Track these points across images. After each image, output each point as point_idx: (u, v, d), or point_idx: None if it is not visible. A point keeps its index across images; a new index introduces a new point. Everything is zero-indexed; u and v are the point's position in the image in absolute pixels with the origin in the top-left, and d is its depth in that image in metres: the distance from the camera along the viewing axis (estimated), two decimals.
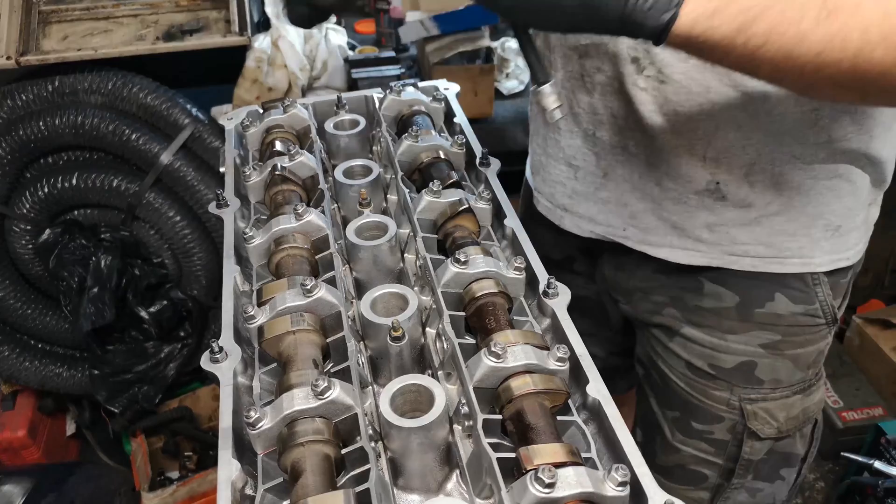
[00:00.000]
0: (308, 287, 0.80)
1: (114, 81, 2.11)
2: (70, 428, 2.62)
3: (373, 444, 0.72)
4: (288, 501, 0.66)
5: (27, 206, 2.12)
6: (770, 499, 1.30)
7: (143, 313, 2.24)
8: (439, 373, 0.82)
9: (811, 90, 0.83)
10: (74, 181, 2.12)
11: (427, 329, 0.88)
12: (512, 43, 2.53)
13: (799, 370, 1.19)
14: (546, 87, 0.81)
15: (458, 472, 0.76)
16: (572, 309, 1.38)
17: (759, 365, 1.18)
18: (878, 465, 2.03)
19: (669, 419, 1.29)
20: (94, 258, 2.12)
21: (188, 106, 2.17)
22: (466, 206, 0.94)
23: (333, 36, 2.24)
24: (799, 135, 1.01)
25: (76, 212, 2.23)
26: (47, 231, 2.16)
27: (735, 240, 1.11)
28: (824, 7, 0.71)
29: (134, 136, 2.11)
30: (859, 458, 2.07)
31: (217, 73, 2.27)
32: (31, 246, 2.19)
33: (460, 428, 0.76)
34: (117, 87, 2.11)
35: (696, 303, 1.18)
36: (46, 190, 2.12)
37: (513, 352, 0.72)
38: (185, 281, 2.31)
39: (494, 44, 2.44)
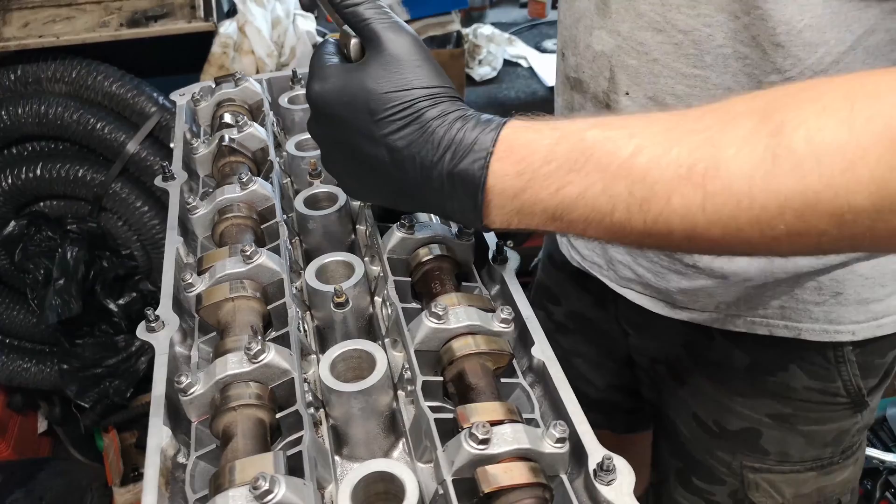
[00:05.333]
0: (248, 253, 0.78)
1: (78, 70, 2.07)
2: (42, 425, 2.58)
3: (312, 410, 0.69)
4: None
5: None
6: None
7: (112, 306, 2.20)
8: (386, 340, 0.80)
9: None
10: (39, 172, 2.08)
11: (375, 298, 0.86)
12: (484, 29, 2.51)
13: (813, 447, 1.07)
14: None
15: (404, 440, 0.74)
16: (579, 331, 1.32)
17: (765, 435, 1.07)
18: None
19: (674, 468, 1.21)
20: (60, 250, 2.08)
21: (155, 94, 2.13)
22: None
23: (302, 22, 2.21)
24: None
25: (42, 203, 2.18)
26: (12, 223, 2.13)
27: (712, 295, 1.01)
28: (632, 197, 0.57)
29: (99, 125, 2.07)
30: None
31: (186, 61, 2.23)
32: None
33: (404, 394, 0.74)
34: (81, 76, 2.07)
35: (707, 353, 1.08)
36: (10, 181, 2.08)
37: (455, 313, 0.70)
38: (155, 273, 2.28)
39: (466, 30, 2.42)
